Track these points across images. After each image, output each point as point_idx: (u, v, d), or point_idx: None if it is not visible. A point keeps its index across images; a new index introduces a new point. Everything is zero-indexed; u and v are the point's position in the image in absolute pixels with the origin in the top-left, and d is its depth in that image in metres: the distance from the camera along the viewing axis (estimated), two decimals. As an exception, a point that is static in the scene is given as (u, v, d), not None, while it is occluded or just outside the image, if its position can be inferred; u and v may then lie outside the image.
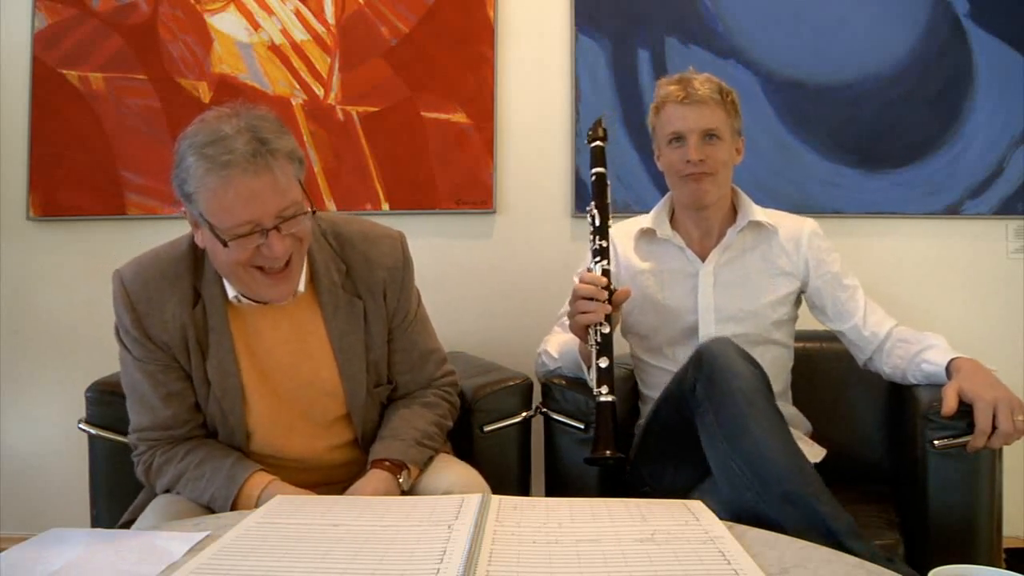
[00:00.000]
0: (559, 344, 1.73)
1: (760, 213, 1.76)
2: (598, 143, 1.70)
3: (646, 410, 1.79)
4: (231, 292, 1.35)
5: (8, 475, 2.38)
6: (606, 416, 1.49)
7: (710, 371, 1.42)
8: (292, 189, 1.25)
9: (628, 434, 1.79)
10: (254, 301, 1.35)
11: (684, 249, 1.76)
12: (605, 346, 1.53)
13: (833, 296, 1.73)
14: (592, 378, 1.53)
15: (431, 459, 1.44)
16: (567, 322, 1.76)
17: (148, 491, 1.43)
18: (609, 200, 1.65)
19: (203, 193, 1.22)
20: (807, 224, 1.78)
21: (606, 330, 1.54)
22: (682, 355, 1.71)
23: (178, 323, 1.34)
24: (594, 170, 1.69)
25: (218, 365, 1.35)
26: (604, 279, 1.56)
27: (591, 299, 1.54)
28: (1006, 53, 2.20)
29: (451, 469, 1.43)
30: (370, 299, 1.42)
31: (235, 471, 1.32)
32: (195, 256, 1.37)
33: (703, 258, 1.75)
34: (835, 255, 1.76)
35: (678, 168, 1.71)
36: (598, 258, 1.60)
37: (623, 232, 1.84)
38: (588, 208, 1.65)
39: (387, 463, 1.36)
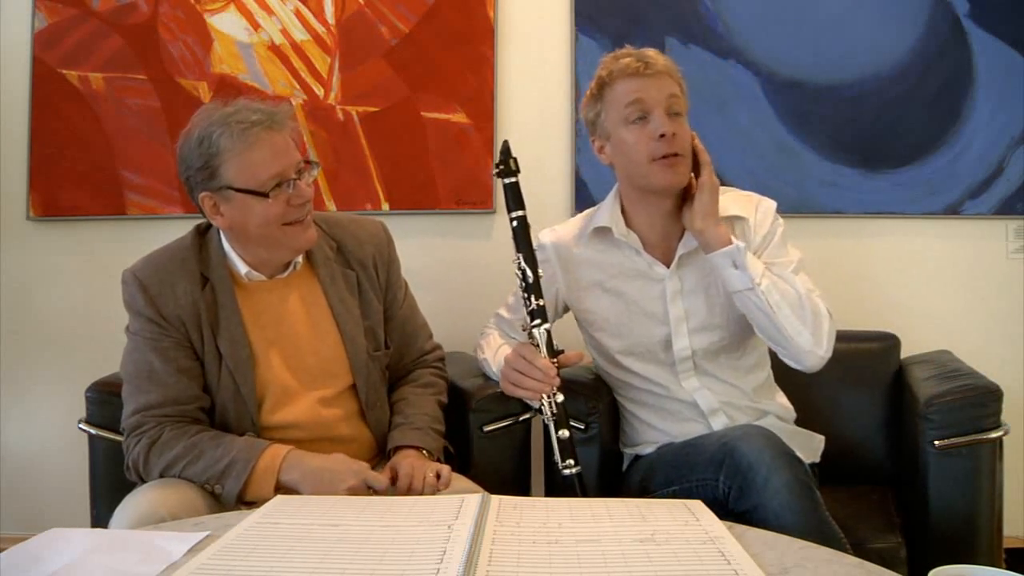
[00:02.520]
0: (496, 364, 1.61)
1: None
2: (512, 179, 1.44)
3: (626, 406, 1.69)
4: (243, 268, 1.46)
5: (8, 475, 2.38)
6: (575, 489, 1.39)
7: (743, 483, 1.30)
8: (299, 145, 1.44)
9: (616, 454, 1.72)
10: (264, 277, 1.48)
11: (640, 253, 1.57)
12: (562, 417, 1.41)
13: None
14: (555, 452, 1.41)
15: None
16: (503, 323, 1.70)
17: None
18: (535, 244, 1.47)
19: (232, 159, 1.36)
20: (763, 203, 1.58)
21: (560, 398, 1.42)
22: (662, 376, 1.59)
23: (190, 299, 1.43)
24: (513, 214, 1.43)
25: (230, 339, 1.44)
26: (546, 360, 1.41)
27: (533, 371, 1.42)
28: (1006, 53, 2.19)
29: (451, 485, 1.43)
30: (362, 271, 1.56)
31: (255, 441, 1.39)
32: (199, 245, 1.49)
33: (665, 262, 1.57)
34: (781, 228, 1.56)
35: (648, 150, 1.46)
36: (537, 321, 1.43)
37: (567, 238, 1.64)
38: (514, 260, 1.45)
39: (411, 449, 1.47)
